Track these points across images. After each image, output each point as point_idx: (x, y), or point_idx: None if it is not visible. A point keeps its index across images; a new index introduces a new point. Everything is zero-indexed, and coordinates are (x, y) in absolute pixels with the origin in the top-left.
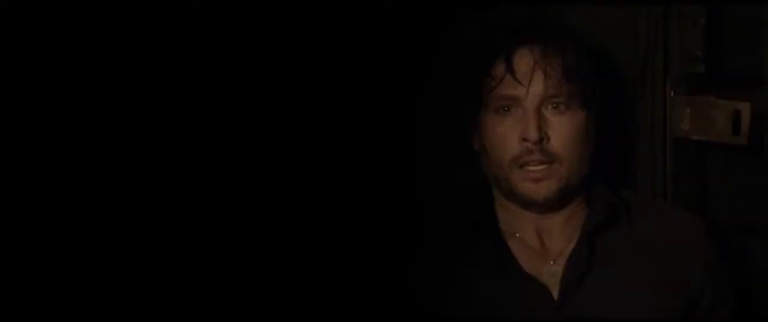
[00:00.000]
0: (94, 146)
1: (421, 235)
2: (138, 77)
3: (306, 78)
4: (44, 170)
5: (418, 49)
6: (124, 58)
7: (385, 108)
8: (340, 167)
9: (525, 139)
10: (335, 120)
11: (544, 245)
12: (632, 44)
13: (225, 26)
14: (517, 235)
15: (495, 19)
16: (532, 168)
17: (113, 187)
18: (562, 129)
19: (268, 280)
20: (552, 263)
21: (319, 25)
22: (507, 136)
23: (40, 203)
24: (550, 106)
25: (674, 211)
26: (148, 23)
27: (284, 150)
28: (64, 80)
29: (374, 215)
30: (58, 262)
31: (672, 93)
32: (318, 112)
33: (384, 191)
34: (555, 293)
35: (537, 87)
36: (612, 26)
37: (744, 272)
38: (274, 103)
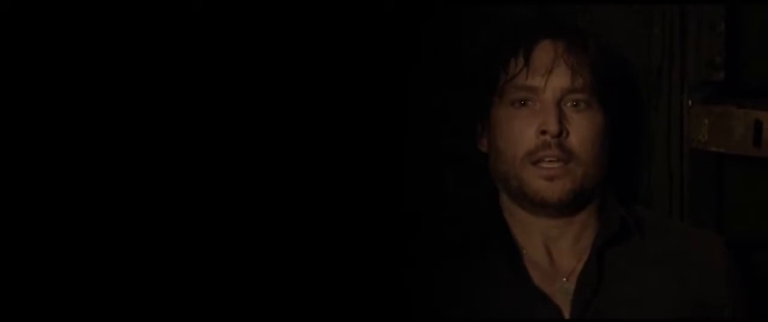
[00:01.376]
0: (93, 146)
1: (427, 245)
2: (137, 77)
3: (305, 78)
4: (44, 169)
5: (416, 48)
6: (123, 57)
7: (383, 111)
8: (339, 173)
9: (543, 133)
10: (334, 122)
11: (553, 262)
12: (647, 50)
13: (224, 27)
14: (525, 251)
15: (503, 18)
16: (546, 165)
17: (113, 187)
18: (582, 127)
19: (267, 300)
20: (565, 280)
21: (317, 23)
22: (523, 129)
23: (40, 203)
24: (569, 103)
25: (691, 228)
26: (148, 23)
27: (284, 154)
28: (65, 80)
29: (377, 224)
30: (58, 262)
31: (689, 102)
32: (318, 115)
33: (386, 199)
34: (567, 312)
35: (558, 79)
36: (625, 31)
37: (763, 289)
38: (275, 103)
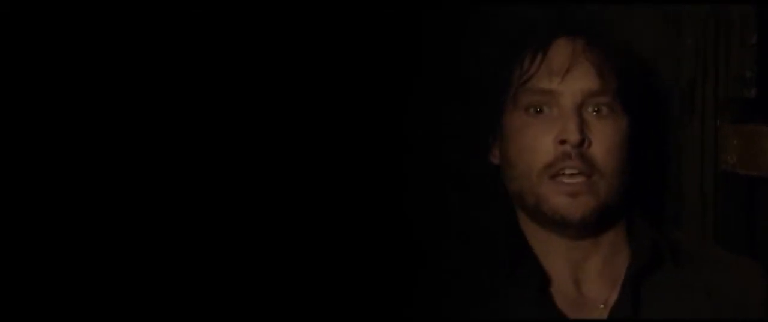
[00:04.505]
0: (93, 146)
1: (436, 273)
2: (137, 77)
3: (299, 90)
4: (44, 170)
5: (416, 53)
6: (123, 57)
7: (381, 123)
8: (337, 196)
9: (562, 142)
10: (329, 140)
11: (580, 289)
12: (678, 63)
13: (224, 34)
14: (549, 276)
15: (513, 21)
16: (567, 180)
17: (113, 187)
18: (605, 136)
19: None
20: (602, 306)
21: (310, 34)
22: (539, 138)
23: (40, 203)
24: (590, 108)
25: (729, 253)
26: (148, 23)
27: (283, 164)
28: (64, 80)
29: (379, 250)
30: (58, 262)
31: (718, 121)
32: (313, 132)
33: (387, 225)
34: None
35: (578, 81)
36: (653, 44)
37: None
38: (266, 127)
